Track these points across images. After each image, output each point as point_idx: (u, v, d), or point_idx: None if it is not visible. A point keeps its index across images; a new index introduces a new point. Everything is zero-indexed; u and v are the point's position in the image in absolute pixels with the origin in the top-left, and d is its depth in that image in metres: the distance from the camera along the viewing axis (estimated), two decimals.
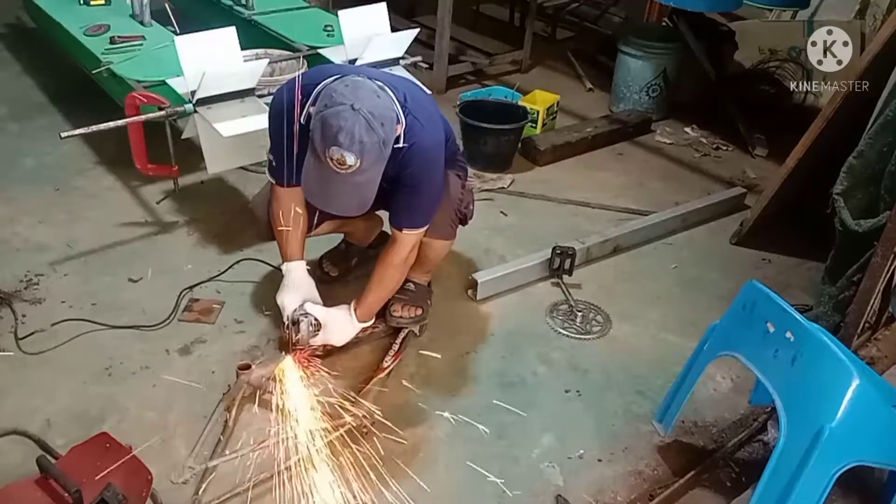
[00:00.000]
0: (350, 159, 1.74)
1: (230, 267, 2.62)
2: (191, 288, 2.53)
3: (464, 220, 2.33)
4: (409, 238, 2.10)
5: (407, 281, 2.32)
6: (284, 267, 2.21)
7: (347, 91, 1.77)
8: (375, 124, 1.75)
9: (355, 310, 2.19)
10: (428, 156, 1.99)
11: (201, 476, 1.85)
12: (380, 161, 1.82)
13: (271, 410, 2.05)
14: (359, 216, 2.46)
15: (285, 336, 2.12)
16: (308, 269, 2.24)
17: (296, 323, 2.09)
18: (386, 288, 2.19)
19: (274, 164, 2.09)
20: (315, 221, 2.26)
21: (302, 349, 2.16)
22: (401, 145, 1.92)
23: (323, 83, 1.86)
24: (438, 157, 2.03)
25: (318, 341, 2.15)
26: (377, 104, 1.78)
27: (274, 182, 2.14)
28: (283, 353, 2.10)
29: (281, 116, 2.00)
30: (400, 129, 1.89)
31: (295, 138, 1.93)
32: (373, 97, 1.79)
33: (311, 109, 1.83)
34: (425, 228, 2.11)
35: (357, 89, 1.78)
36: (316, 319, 2.11)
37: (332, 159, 1.75)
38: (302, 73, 2.15)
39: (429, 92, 2.27)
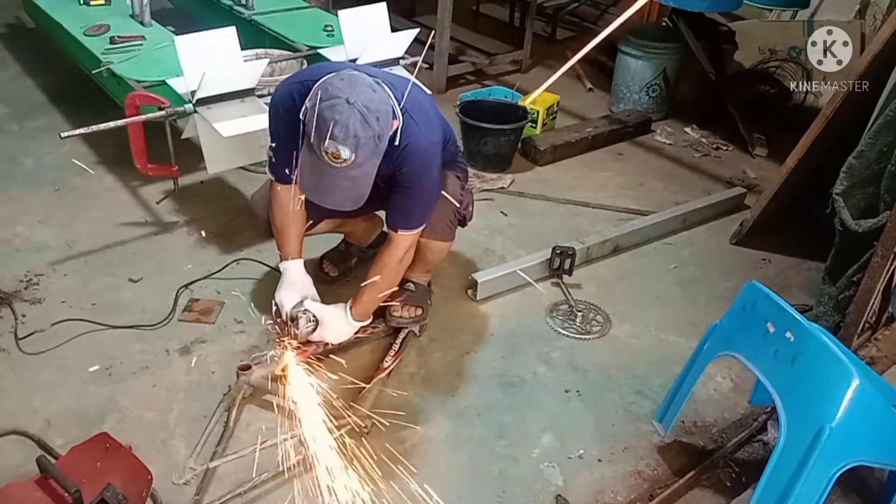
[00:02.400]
0: (345, 153, 1.73)
1: (226, 266, 2.62)
2: (187, 286, 2.53)
3: (463, 222, 2.33)
4: (404, 239, 2.09)
5: (407, 281, 2.32)
6: (282, 265, 2.21)
7: (343, 84, 1.76)
8: (370, 118, 1.74)
9: (350, 309, 2.19)
10: (423, 156, 1.98)
11: (202, 477, 1.85)
12: (375, 155, 1.81)
13: (277, 407, 2.05)
14: (358, 216, 2.48)
15: (278, 329, 2.12)
16: (306, 269, 2.24)
17: (294, 319, 2.10)
18: (381, 288, 2.18)
19: (273, 160, 2.09)
20: (313, 220, 2.27)
21: (303, 349, 2.16)
22: (396, 143, 1.92)
23: (321, 79, 1.86)
24: (434, 158, 2.03)
25: (315, 337, 2.16)
26: (372, 98, 1.77)
27: (273, 179, 2.13)
28: (280, 341, 2.09)
29: (280, 113, 2.00)
30: (396, 125, 1.89)
31: (295, 135, 1.92)
32: (368, 91, 1.78)
33: (309, 104, 1.82)
34: (421, 229, 2.11)
35: (352, 83, 1.77)
36: (314, 315, 2.12)
37: (326, 153, 1.74)
38: (302, 70, 2.14)
39: (429, 92, 2.27)
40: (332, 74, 1.83)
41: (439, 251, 2.30)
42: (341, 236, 2.62)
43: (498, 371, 2.30)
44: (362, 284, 2.18)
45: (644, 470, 2.00)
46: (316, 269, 2.57)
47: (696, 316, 2.54)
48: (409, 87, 2.02)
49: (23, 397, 2.08)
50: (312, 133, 1.75)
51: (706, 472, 1.99)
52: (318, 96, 1.76)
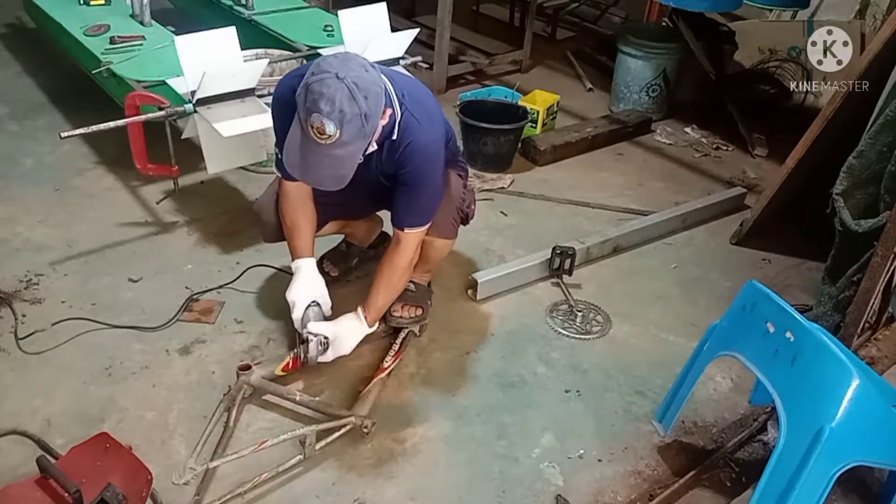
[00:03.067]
0: (329, 128, 1.71)
1: (242, 273, 2.59)
2: (195, 295, 2.51)
3: (465, 220, 2.33)
4: (411, 238, 2.09)
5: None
6: (294, 264, 2.20)
7: (335, 61, 1.74)
8: (358, 95, 1.72)
9: (365, 316, 2.16)
10: (426, 153, 1.97)
11: (202, 477, 1.85)
12: (361, 136, 1.78)
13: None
14: (363, 217, 2.48)
15: (294, 354, 2.13)
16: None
17: (304, 342, 2.09)
18: (394, 289, 2.17)
19: (280, 157, 2.08)
20: (320, 222, 2.25)
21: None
22: (394, 138, 1.91)
23: None
24: (437, 155, 2.02)
25: (327, 358, 2.13)
26: (362, 76, 1.74)
27: (281, 176, 2.12)
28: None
29: (283, 107, 1.99)
30: (388, 113, 1.87)
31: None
32: (360, 70, 1.75)
33: (302, 82, 1.79)
34: (427, 227, 2.10)
35: (345, 60, 1.75)
36: (325, 338, 2.10)
37: (312, 127, 1.72)
38: (303, 65, 2.13)
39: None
40: (329, 54, 1.82)
41: (442, 249, 2.30)
42: (342, 236, 2.62)
43: (498, 371, 2.30)
44: (373, 288, 2.16)
45: (644, 470, 2.00)
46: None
47: (696, 316, 2.55)
48: (410, 84, 2.02)
49: (23, 397, 2.08)
50: (300, 107, 1.74)
51: (706, 472, 1.99)
52: (311, 71, 1.75)
